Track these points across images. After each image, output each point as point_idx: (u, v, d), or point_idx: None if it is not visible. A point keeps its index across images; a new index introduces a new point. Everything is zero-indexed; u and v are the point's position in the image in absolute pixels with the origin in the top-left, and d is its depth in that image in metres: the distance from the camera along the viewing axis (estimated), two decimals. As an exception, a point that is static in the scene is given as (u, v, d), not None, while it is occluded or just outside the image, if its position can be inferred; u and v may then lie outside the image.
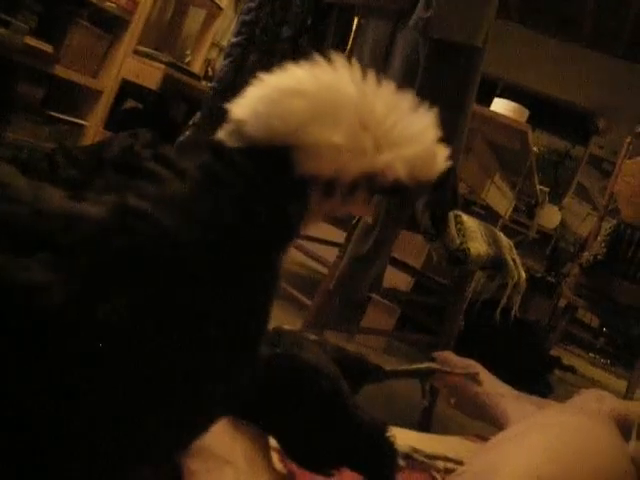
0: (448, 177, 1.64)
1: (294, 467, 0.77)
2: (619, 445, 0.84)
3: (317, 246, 2.16)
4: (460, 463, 0.79)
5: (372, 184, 0.48)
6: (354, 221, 1.69)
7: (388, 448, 0.66)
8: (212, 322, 0.41)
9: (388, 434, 0.66)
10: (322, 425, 0.62)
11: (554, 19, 7.58)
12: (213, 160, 0.43)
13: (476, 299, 3.46)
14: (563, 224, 6.92)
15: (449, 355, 1.24)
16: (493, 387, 1.20)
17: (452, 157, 1.68)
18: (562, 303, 4.56)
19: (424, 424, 1.80)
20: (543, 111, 7.66)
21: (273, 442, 0.72)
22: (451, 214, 1.72)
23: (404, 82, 1.64)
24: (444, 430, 1.96)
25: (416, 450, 0.76)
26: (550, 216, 6.47)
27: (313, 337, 0.69)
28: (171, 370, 0.40)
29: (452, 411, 1.20)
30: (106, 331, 0.36)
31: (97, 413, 0.38)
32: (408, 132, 0.46)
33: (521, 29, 7.96)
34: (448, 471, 0.80)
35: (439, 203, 1.63)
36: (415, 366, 0.84)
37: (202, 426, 0.49)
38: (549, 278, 5.59)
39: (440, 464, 0.80)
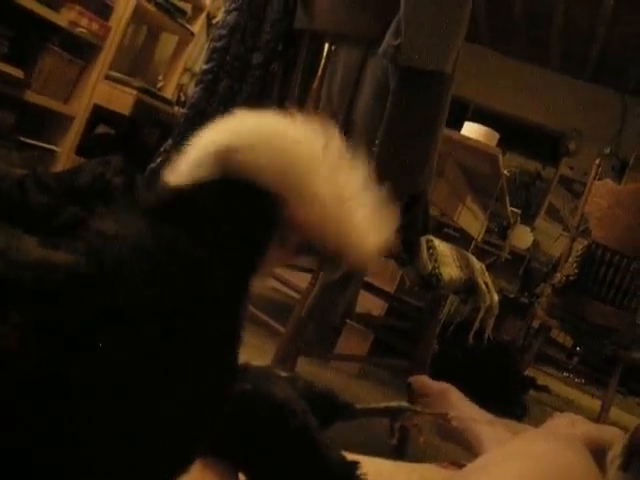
0: (419, 202, 1.65)
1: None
2: (594, 473, 0.84)
3: (289, 272, 2.16)
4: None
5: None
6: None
7: None
8: (186, 370, 0.41)
9: (359, 473, 0.66)
10: (291, 462, 0.61)
11: (523, 42, 7.68)
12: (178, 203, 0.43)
13: (450, 322, 3.47)
14: (535, 245, 6.98)
15: (424, 379, 1.24)
16: (467, 411, 1.20)
17: (423, 183, 1.69)
18: (536, 323, 4.59)
19: (400, 450, 1.79)
20: (514, 133, 7.75)
21: (243, 478, 0.71)
22: (423, 239, 1.72)
23: (374, 109, 1.65)
24: (421, 454, 1.95)
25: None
26: (522, 237, 6.52)
27: (283, 373, 0.68)
28: (145, 422, 0.39)
29: (429, 436, 1.19)
30: (77, 388, 0.35)
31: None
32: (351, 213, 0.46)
33: (491, 52, 8.06)
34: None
35: (410, 228, 1.64)
36: (385, 404, 0.84)
37: (179, 469, 0.48)
38: (522, 299, 5.63)
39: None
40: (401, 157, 1.56)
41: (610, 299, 3.51)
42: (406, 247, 1.64)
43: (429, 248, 1.74)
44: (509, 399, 3.23)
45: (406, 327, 2.28)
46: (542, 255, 7.01)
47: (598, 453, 0.98)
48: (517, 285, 6.22)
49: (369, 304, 2.39)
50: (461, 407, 1.20)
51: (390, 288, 2.44)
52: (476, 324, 1.96)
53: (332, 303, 1.57)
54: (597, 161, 3.77)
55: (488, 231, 6.00)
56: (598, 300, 3.51)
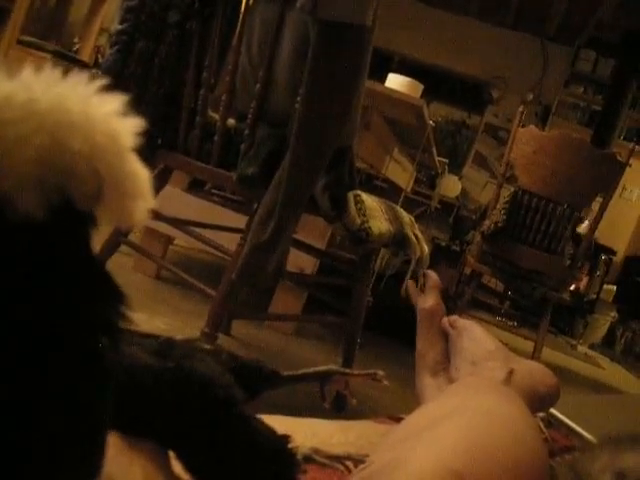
0: (345, 158, 1.63)
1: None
2: (533, 426, 0.84)
3: (218, 233, 2.13)
4: (365, 457, 0.78)
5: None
6: (255, 207, 1.67)
7: (289, 462, 0.64)
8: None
9: (289, 446, 0.64)
10: (218, 439, 0.60)
11: (444, -10, 7.68)
12: None
13: (382, 275, 3.49)
14: (464, 193, 7.07)
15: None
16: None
17: (347, 137, 1.67)
18: (467, 270, 4.65)
19: (338, 407, 1.79)
20: (438, 83, 7.79)
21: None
22: (350, 194, 1.71)
23: (295, 64, 1.62)
24: (360, 409, 1.97)
25: (317, 451, 0.73)
26: (451, 186, 6.59)
27: (207, 346, 0.66)
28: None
29: (368, 389, 1.19)
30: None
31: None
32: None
33: (413, 3, 8.03)
34: (357, 463, 0.79)
35: (337, 184, 1.63)
36: (313, 369, 0.83)
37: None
38: (454, 247, 5.69)
39: (341, 467, 0.78)
40: (324, 112, 1.54)
41: (538, 243, 3.57)
42: (334, 203, 1.63)
43: (357, 203, 1.73)
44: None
45: (339, 283, 2.28)
46: (471, 203, 7.11)
47: (532, 400, 0.99)
48: (448, 233, 6.30)
49: (300, 262, 2.37)
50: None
51: (321, 244, 2.43)
52: (407, 276, 1.97)
53: (262, 264, 1.55)
54: (520, 108, 3.80)
55: (417, 181, 6.05)
56: (526, 245, 3.57)
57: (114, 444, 0.62)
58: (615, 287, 6.75)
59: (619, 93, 7.10)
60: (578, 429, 1.31)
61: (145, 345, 0.61)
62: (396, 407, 2.25)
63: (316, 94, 1.53)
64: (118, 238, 1.95)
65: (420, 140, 3.36)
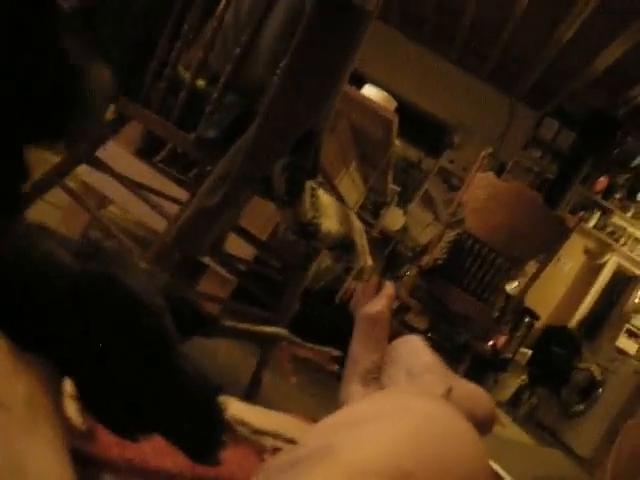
0: (312, 142, 1.54)
1: (95, 424, 0.64)
2: (474, 437, 0.78)
3: (161, 200, 2.02)
4: (291, 442, 0.69)
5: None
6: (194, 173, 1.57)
7: (216, 416, 0.54)
8: None
9: (219, 399, 0.54)
10: (136, 370, 0.48)
11: (429, 30, 7.72)
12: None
13: (312, 286, 3.40)
14: (405, 229, 7.06)
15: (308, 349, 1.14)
16: (348, 374, 1.13)
17: (320, 121, 1.58)
18: (394, 305, 4.61)
19: (250, 392, 1.69)
20: (402, 117, 7.78)
21: (70, 389, 0.58)
22: (308, 184, 1.63)
23: (283, 35, 1.53)
24: (269, 401, 1.88)
25: (243, 423, 0.64)
26: (394, 218, 6.58)
27: (143, 264, 0.55)
28: None
29: (280, 381, 1.10)
30: None
31: None
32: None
33: (396, 34, 8.05)
34: (277, 450, 0.70)
35: (298, 168, 1.53)
36: (261, 327, 0.72)
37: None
38: (385, 280, 5.66)
39: (268, 441, 0.69)
40: (302, 89, 1.45)
41: (472, 289, 3.54)
42: (290, 187, 1.54)
43: (312, 196, 1.65)
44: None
45: (274, 277, 2.18)
46: (410, 240, 7.10)
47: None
48: (381, 265, 6.27)
49: (238, 248, 2.27)
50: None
51: (263, 235, 2.33)
52: (345, 285, 1.89)
53: (202, 232, 1.44)
54: (483, 153, 3.79)
55: (363, 207, 6.00)
56: (460, 288, 3.54)
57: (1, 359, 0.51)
58: (530, 351, 6.80)
59: (574, 166, 7.22)
60: (501, 472, 1.25)
61: (66, 244, 0.49)
62: (313, 411, 2.16)
63: (300, 69, 1.44)
64: (54, 178, 1.82)
65: (380, 160, 3.31)
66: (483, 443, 0.76)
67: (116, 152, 2.41)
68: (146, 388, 0.50)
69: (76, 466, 0.47)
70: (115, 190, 2.34)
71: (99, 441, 0.66)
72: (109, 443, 0.66)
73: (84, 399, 0.52)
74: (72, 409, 0.60)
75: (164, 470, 0.69)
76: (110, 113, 1.81)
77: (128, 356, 0.49)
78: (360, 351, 1.14)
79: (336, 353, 0.83)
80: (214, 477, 0.73)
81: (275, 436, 0.72)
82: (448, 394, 0.91)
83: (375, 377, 1.10)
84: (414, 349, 1.11)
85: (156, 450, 0.70)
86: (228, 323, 0.67)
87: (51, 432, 0.47)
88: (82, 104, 0.55)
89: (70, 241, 0.51)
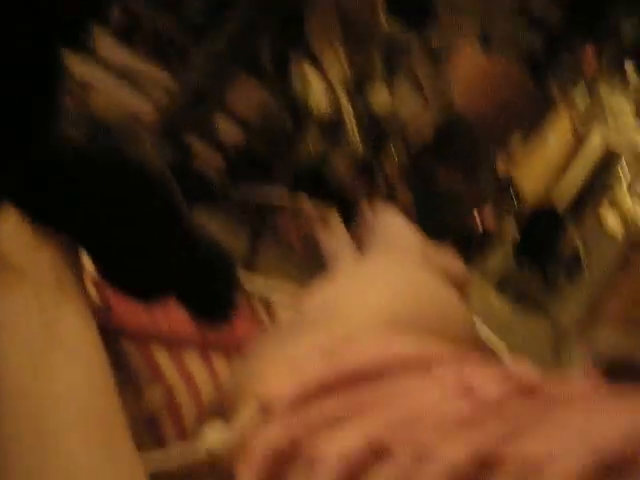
0: (296, 17, 1.52)
1: (110, 297, 0.66)
2: (451, 289, 0.82)
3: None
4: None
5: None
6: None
7: (229, 280, 0.56)
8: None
9: (233, 264, 0.56)
10: (148, 236, 0.50)
11: None
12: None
13: (303, 163, 3.40)
14: (392, 109, 6.98)
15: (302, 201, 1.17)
16: (338, 236, 1.16)
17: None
18: (381, 183, 4.62)
19: (249, 262, 1.73)
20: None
21: (87, 266, 0.60)
22: (295, 60, 1.61)
23: None
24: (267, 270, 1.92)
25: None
26: (381, 98, 6.49)
27: (145, 134, 0.56)
28: None
29: (277, 258, 1.13)
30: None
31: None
32: None
33: None
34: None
35: (284, 43, 1.52)
36: (258, 192, 0.74)
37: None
38: (372, 159, 5.65)
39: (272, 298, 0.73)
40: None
41: (459, 167, 3.56)
42: (277, 64, 1.52)
43: (300, 72, 1.63)
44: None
45: (261, 157, 2.18)
46: (396, 118, 7.03)
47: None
48: (368, 145, 6.24)
49: (226, 130, 2.25)
50: (336, 231, 1.16)
51: (250, 116, 2.31)
52: (333, 162, 1.90)
53: (188, 113, 1.44)
54: (468, 29, 3.72)
55: (348, 85, 5.92)
56: (447, 166, 3.56)
57: (19, 229, 0.52)
58: (517, 227, 6.86)
59: (560, 38, 7.10)
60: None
61: (67, 117, 0.50)
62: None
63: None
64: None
65: (364, 37, 3.25)
66: (458, 295, 0.80)
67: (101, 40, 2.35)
68: (161, 250, 0.52)
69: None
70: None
71: (114, 312, 0.69)
72: (124, 313, 0.69)
73: (101, 267, 0.54)
74: (89, 284, 0.62)
75: (177, 336, 0.72)
76: None
77: (142, 219, 0.51)
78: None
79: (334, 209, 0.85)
80: (223, 341, 0.77)
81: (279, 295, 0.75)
82: (423, 258, 0.95)
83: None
84: (391, 220, 1.14)
85: (169, 319, 0.73)
86: (230, 191, 0.69)
87: (78, 302, 0.50)
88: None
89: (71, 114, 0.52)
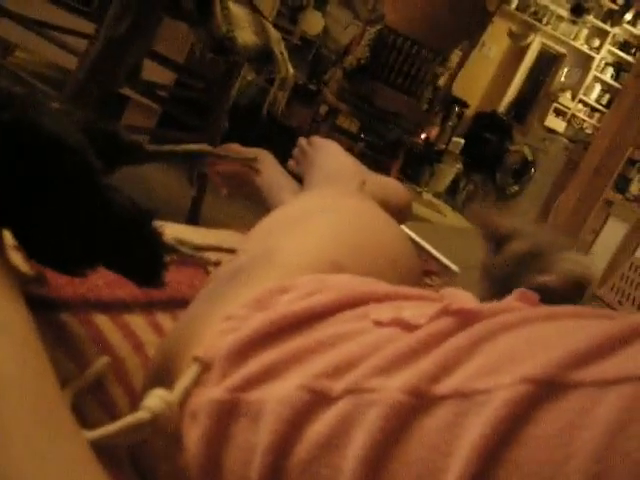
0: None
1: (43, 267, 0.65)
2: (394, 223, 0.82)
3: (69, 37, 1.92)
4: (233, 252, 0.71)
5: None
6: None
7: (153, 240, 0.55)
8: None
9: (153, 223, 0.55)
10: (68, 211, 0.49)
11: None
12: None
13: (241, 101, 3.35)
14: (325, 31, 6.88)
15: (235, 146, 1.15)
16: (275, 178, 1.15)
17: None
18: (323, 110, 4.58)
19: (192, 217, 1.71)
20: None
21: (11, 240, 0.58)
22: (217, -2, 1.56)
23: None
24: (213, 223, 1.91)
25: (182, 242, 0.66)
26: (313, 22, 6.39)
27: (56, 105, 0.54)
28: None
29: (222, 202, 1.12)
30: None
31: None
32: None
33: None
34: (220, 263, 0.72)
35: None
36: (182, 147, 0.72)
37: None
38: (310, 85, 5.58)
39: (211, 256, 0.72)
40: None
41: (398, 85, 3.54)
42: (199, 4, 1.48)
43: (223, 9, 1.59)
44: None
45: (197, 99, 2.14)
46: (332, 42, 6.94)
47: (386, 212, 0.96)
48: (305, 72, 6.16)
49: (156, 74, 2.20)
50: (268, 173, 1.14)
51: (180, 58, 2.26)
52: (271, 94, 1.87)
53: (115, 62, 1.40)
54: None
55: (279, 14, 5.81)
56: (387, 85, 3.53)
57: None
58: (463, 140, 6.92)
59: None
60: (440, 256, 1.31)
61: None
62: (248, 220, 2.20)
63: None
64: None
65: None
66: (400, 228, 0.81)
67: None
68: (81, 224, 0.51)
69: (32, 310, 0.49)
70: (18, 33, 2.22)
71: (50, 283, 0.67)
72: (60, 283, 0.67)
73: (24, 246, 0.53)
74: (17, 258, 0.60)
75: (119, 300, 0.71)
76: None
77: (55, 196, 0.49)
78: (277, 178, 1.17)
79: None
80: (167, 299, 0.76)
81: (218, 250, 0.74)
82: (362, 187, 0.94)
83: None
84: (331, 153, 1.13)
85: (108, 283, 0.72)
86: (151, 148, 0.67)
87: (2, 281, 0.48)
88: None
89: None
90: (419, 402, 0.40)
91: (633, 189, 4.39)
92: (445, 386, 0.40)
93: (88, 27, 1.96)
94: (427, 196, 5.94)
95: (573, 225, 3.47)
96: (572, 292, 0.70)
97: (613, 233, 3.79)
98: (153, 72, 2.20)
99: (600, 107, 7.86)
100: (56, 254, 0.53)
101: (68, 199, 0.50)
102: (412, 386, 0.41)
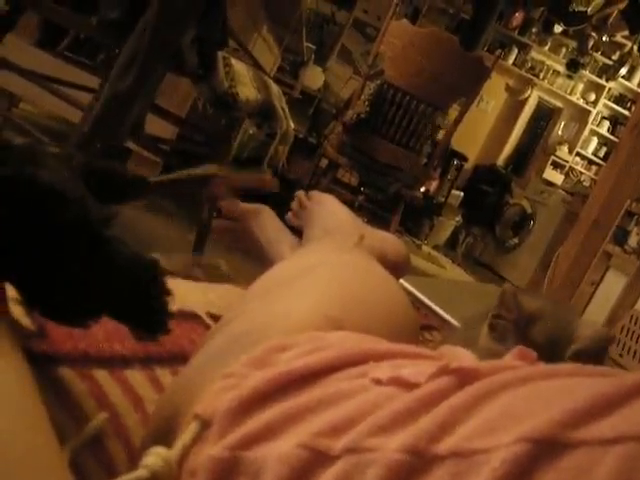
0: (219, 10, 1.50)
1: (44, 321, 0.65)
2: (391, 279, 0.83)
3: (71, 90, 1.95)
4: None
5: None
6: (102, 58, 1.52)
7: (158, 289, 0.55)
8: None
9: (158, 272, 0.55)
10: (68, 262, 0.49)
11: None
12: None
13: (238, 156, 3.38)
14: (326, 86, 6.98)
15: (235, 202, 1.17)
16: (274, 233, 1.16)
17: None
18: (323, 163, 4.62)
19: (198, 246, 1.71)
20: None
21: (14, 293, 0.59)
22: (220, 55, 1.59)
23: None
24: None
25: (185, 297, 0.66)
26: (314, 77, 6.49)
27: (54, 150, 0.55)
28: None
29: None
30: None
31: None
32: None
33: None
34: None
35: (207, 40, 1.50)
36: (187, 172, 0.72)
37: None
38: (311, 139, 5.64)
39: (212, 309, 0.72)
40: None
41: (397, 139, 3.57)
42: (202, 59, 1.51)
43: (225, 66, 1.62)
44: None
45: (198, 153, 2.16)
46: (332, 97, 7.04)
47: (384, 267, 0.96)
48: (306, 125, 6.23)
49: (158, 129, 2.23)
50: (270, 228, 1.15)
51: (182, 112, 2.29)
52: (271, 149, 1.89)
53: (119, 118, 1.42)
54: (395, 1, 3.73)
55: (280, 69, 5.90)
56: (386, 140, 3.56)
57: None
58: (462, 193, 6.96)
59: (488, 4, 7.15)
60: (440, 311, 1.31)
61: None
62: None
63: None
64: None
65: (291, 20, 3.23)
66: (397, 283, 0.81)
67: (17, 46, 2.30)
68: (83, 275, 0.51)
69: (32, 364, 0.49)
70: (23, 86, 2.26)
71: (51, 337, 0.67)
72: (61, 337, 0.68)
73: (26, 298, 0.53)
74: (19, 312, 0.61)
75: (118, 354, 0.71)
76: (2, 4, 1.72)
77: (55, 248, 0.50)
78: (276, 233, 1.18)
79: (269, 178, 0.84)
80: (166, 353, 0.76)
81: (207, 316, 0.74)
82: (360, 242, 0.95)
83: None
84: (330, 209, 1.14)
85: (108, 336, 0.72)
86: (154, 179, 0.68)
87: (1, 335, 0.49)
88: None
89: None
90: (418, 462, 0.40)
91: (631, 241, 4.41)
92: (444, 445, 0.40)
93: (92, 81, 2.00)
94: (427, 249, 5.95)
95: (573, 277, 3.48)
96: (599, 351, 0.75)
97: (613, 285, 3.79)
98: (155, 126, 2.23)
99: (597, 160, 7.94)
100: (58, 305, 0.53)
101: (68, 251, 0.50)
102: (411, 445, 0.40)
